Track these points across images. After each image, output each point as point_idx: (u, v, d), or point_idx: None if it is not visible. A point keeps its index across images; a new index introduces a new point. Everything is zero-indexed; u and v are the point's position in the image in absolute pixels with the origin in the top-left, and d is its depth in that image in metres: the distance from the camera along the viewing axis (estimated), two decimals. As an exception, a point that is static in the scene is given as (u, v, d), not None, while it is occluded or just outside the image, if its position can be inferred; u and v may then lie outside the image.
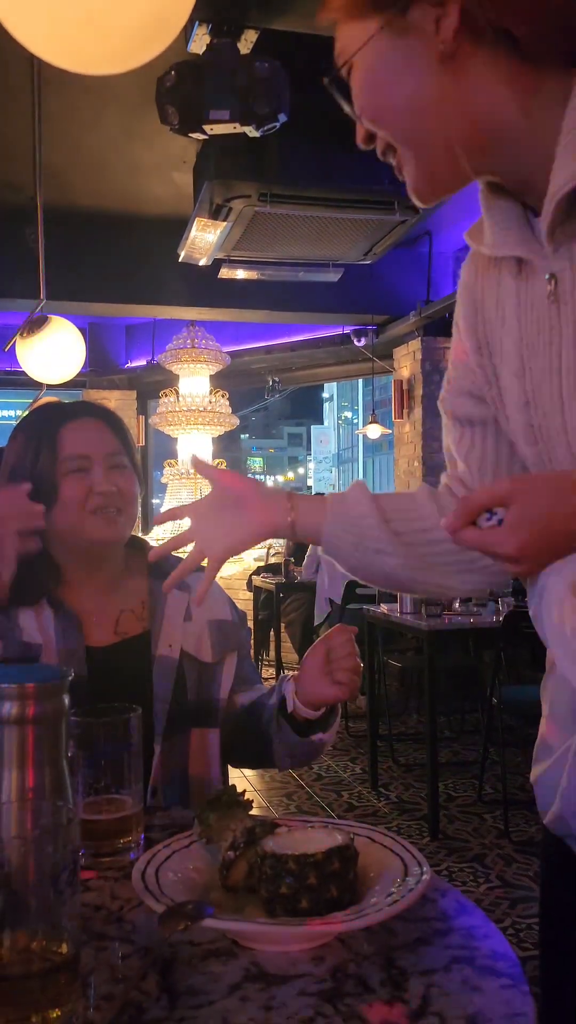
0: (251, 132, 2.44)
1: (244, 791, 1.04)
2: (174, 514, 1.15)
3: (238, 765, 1.49)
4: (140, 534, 1.51)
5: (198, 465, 1.13)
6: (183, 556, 1.13)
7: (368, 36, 0.81)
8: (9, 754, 0.88)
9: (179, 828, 1.11)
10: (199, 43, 2.48)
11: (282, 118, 2.43)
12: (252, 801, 1.03)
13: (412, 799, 3.90)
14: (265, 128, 2.44)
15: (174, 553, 1.25)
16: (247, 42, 2.57)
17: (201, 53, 2.48)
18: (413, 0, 0.79)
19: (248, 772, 4.07)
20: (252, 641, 6.01)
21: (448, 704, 4.61)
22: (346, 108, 0.87)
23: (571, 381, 0.82)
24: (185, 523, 1.10)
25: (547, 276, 0.82)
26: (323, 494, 1.08)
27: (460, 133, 0.81)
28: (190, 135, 2.48)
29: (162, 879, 0.90)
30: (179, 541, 1.12)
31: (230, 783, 1.58)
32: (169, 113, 2.40)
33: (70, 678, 0.92)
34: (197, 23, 2.37)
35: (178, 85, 2.37)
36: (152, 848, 0.98)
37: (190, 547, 1.11)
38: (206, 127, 2.40)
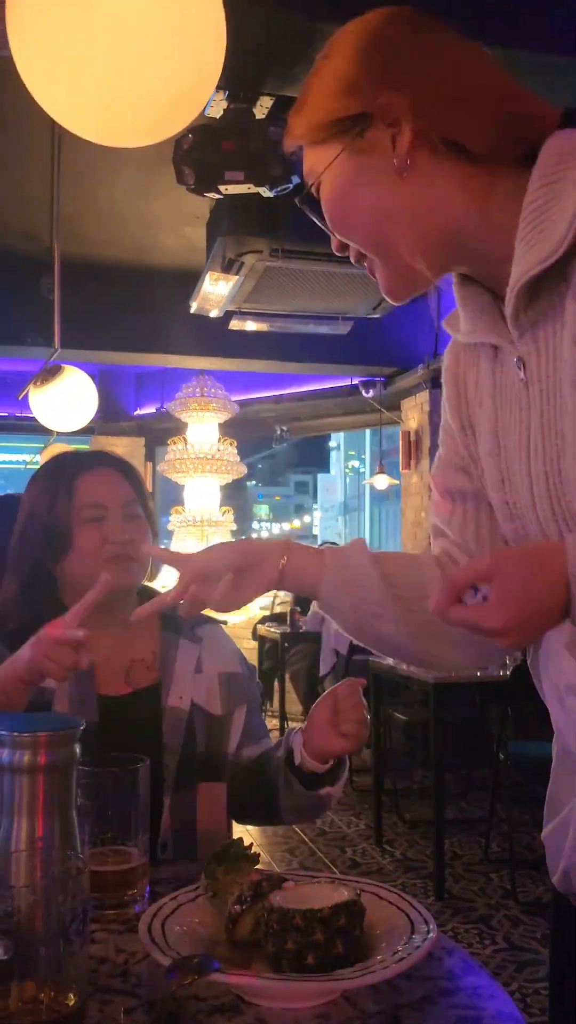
0: (265, 192, 2.51)
1: (251, 844, 1.04)
2: (173, 558, 1.08)
3: (243, 820, 1.49)
4: (148, 582, 1.53)
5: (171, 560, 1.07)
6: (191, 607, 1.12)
7: (330, 159, 0.87)
8: (20, 802, 0.88)
9: (184, 882, 1.10)
10: (216, 108, 2.56)
11: (295, 179, 2.50)
12: (259, 855, 1.03)
13: (417, 857, 3.84)
14: (278, 189, 2.51)
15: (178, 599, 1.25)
16: (262, 107, 2.66)
17: (218, 117, 2.57)
18: (369, 123, 0.85)
19: (251, 826, 4.01)
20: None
21: (454, 759, 4.56)
22: (318, 222, 0.93)
23: (538, 459, 0.86)
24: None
25: (516, 359, 0.88)
26: (323, 547, 1.07)
27: (422, 237, 0.87)
28: (205, 194, 2.56)
29: (168, 932, 0.90)
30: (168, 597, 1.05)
31: (235, 837, 1.57)
32: (185, 174, 2.48)
33: (82, 728, 0.93)
34: (215, 90, 2.45)
35: (195, 147, 2.45)
36: (158, 901, 0.98)
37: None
38: (221, 187, 2.48)
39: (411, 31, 0.86)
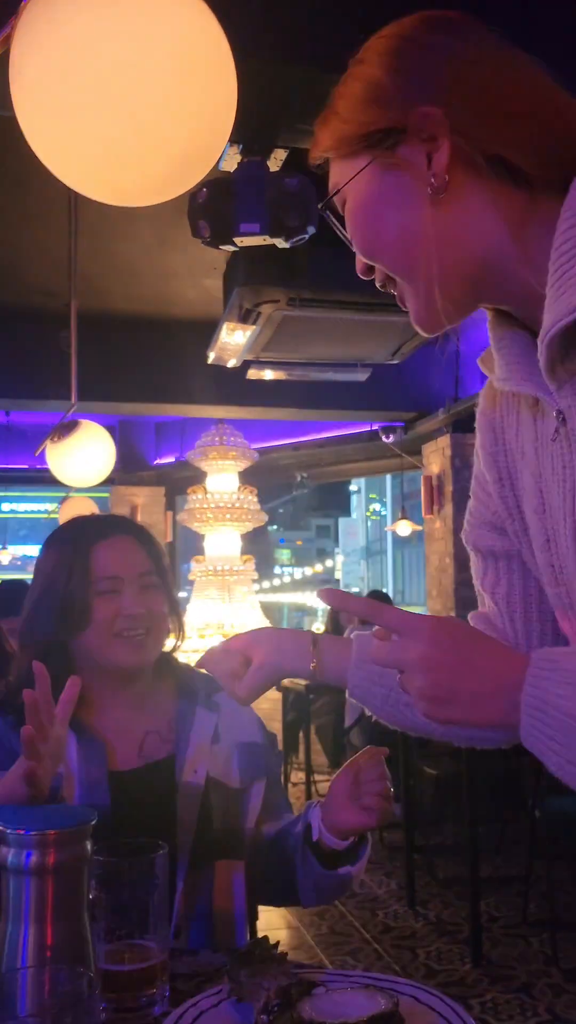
0: (281, 243, 2.50)
1: (278, 942, 0.96)
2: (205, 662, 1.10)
3: (262, 901, 1.41)
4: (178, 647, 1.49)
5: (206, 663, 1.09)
6: (209, 674, 1.09)
7: (356, 171, 0.80)
8: (27, 907, 0.82)
9: (206, 977, 1.03)
10: (230, 161, 2.57)
11: (311, 230, 2.48)
12: (287, 954, 0.95)
13: (452, 919, 3.68)
14: (294, 240, 2.49)
15: (201, 670, 1.21)
16: (276, 160, 2.66)
17: (232, 171, 2.57)
18: (402, 138, 0.78)
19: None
20: (281, 745, 5.83)
21: (487, 814, 4.40)
22: (342, 237, 0.86)
23: None
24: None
25: (555, 413, 0.79)
26: (354, 634, 1.03)
27: (453, 264, 0.79)
28: (221, 247, 2.55)
29: (189, 1049, 0.82)
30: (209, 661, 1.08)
31: (259, 917, 1.49)
32: (201, 227, 2.47)
33: (93, 822, 0.87)
34: (228, 144, 2.46)
35: (210, 201, 2.44)
36: (180, 1006, 0.91)
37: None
38: (237, 240, 2.46)
39: (453, 37, 0.78)
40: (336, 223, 0.86)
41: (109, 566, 1.33)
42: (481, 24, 0.79)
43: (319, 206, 0.86)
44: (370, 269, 0.85)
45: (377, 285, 0.86)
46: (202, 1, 1.02)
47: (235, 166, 2.60)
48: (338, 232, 0.86)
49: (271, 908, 3.63)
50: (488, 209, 0.77)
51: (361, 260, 0.85)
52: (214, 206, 2.46)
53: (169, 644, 1.44)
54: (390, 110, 0.77)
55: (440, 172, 0.76)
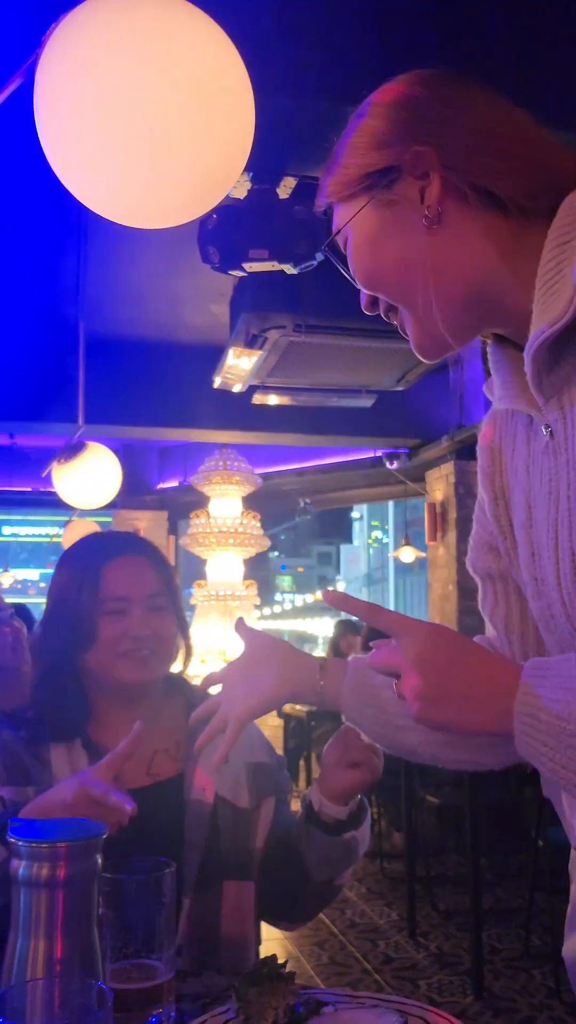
0: (289, 269, 2.53)
1: (286, 962, 0.96)
2: (211, 679, 1.16)
3: (268, 913, 1.41)
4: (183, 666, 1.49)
5: (238, 627, 1.17)
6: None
7: (356, 210, 0.86)
8: (37, 919, 0.81)
9: (212, 999, 1.02)
10: (240, 189, 2.61)
11: (319, 256, 2.52)
12: (295, 973, 0.95)
13: (453, 951, 3.64)
14: (303, 266, 2.53)
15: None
16: (286, 187, 2.70)
17: (242, 198, 2.61)
18: (398, 176, 0.84)
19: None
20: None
21: (489, 844, 4.36)
22: (345, 274, 0.92)
23: (565, 534, 0.81)
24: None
25: (544, 427, 0.83)
26: (353, 658, 1.05)
27: (449, 291, 0.84)
28: (230, 272, 2.58)
29: (197, 1069, 0.82)
30: (209, 707, 1.13)
31: (263, 941, 1.48)
32: (210, 253, 2.51)
33: (104, 835, 0.87)
34: (239, 171, 2.49)
35: (220, 227, 2.48)
36: (186, 1025, 0.90)
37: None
38: (246, 265, 2.50)
39: (441, 87, 0.85)
40: (339, 262, 0.92)
41: (118, 586, 1.34)
42: (468, 77, 0.86)
43: (322, 247, 0.92)
44: (374, 303, 0.91)
45: (383, 315, 0.91)
46: (223, 33, 1.05)
47: (245, 193, 2.64)
48: (342, 271, 0.92)
49: (271, 938, 3.59)
50: (480, 238, 0.83)
51: (365, 294, 0.91)
52: (224, 232, 2.50)
53: (177, 667, 1.44)
54: (386, 152, 0.84)
55: (432, 204, 0.82)
